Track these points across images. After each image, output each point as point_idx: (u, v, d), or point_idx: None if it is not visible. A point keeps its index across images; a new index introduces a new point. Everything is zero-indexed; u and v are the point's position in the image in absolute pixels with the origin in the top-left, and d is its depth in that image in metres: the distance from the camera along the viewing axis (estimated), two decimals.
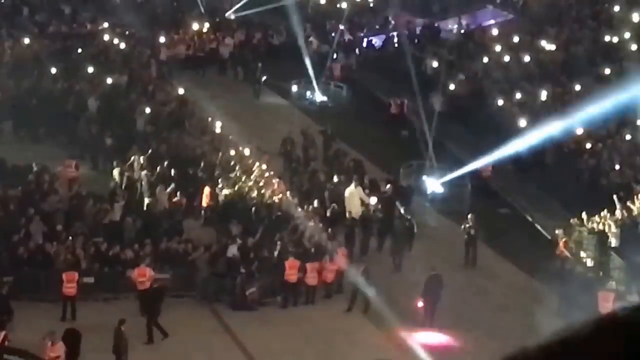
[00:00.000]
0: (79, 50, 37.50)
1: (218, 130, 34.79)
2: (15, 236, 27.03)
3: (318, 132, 35.54)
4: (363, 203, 30.59)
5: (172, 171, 31.26)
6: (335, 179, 32.16)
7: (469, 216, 30.09)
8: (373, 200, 30.68)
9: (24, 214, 27.97)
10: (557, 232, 31.42)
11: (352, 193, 30.66)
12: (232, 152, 33.35)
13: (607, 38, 43.41)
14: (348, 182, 31.32)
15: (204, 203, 30.54)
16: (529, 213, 33.65)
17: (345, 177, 32.11)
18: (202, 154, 33.31)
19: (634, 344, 0.73)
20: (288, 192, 31.32)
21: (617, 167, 35.95)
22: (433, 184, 34.40)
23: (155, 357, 23.91)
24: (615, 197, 32.56)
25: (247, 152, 33.32)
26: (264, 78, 38.96)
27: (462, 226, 30.06)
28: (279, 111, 38.68)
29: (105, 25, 39.47)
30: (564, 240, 30.87)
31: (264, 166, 32.64)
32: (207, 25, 41.83)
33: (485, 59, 41.73)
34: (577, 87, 39.91)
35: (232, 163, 32.84)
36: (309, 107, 39.16)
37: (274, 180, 32.37)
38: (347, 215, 30.27)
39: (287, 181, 32.29)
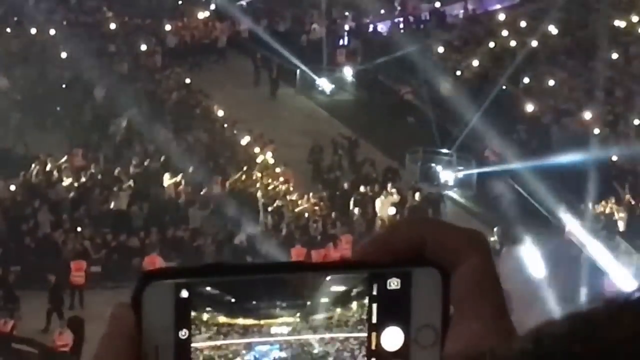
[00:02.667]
0: (85, 40, 37.48)
1: (224, 118, 34.83)
2: (23, 225, 27.12)
3: (342, 137, 35.22)
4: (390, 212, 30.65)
5: (178, 160, 31.31)
6: (362, 189, 32.02)
7: (495, 229, 29.70)
8: (392, 210, 30.46)
9: (31, 204, 28.03)
10: (564, 217, 31.49)
11: (383, 203, 30.77)
12: (239, 140, 33.41)
13: (615, 22, 43.26)
14: (374, 191, 31.34)
15: (214, 191, 30.61)
16: (537, 198, 33.63)
17: (372, 186, 32.01)
18: (208, 142, 33.36)
19: None
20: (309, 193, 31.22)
21: (624, 152, 35.94)
22: (440, 170, 34.50)
23: None
24: (620, 182, 32.63)
25: (247, 139, 33.37)
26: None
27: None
28: (286, 100, 38.63)
29: (110, 14, 39.44)
30: (569, 225, 30.92)
31: (269, 154, 32.69)
32: (207, 13, 41.64)
33: (492, 44, 41.64)
34: (585, 72, 39.85)
35: (236, 151, 32.90)
36: (315, 94, 39.09)
37: (278, 169, 32.43)
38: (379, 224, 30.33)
39: (316, 189, 31.97)
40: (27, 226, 27.23)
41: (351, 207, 30.78)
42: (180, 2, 41.68)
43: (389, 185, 31.81)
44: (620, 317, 0.73)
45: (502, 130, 35.14)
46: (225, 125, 34.84)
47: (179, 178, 30.42)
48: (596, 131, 36.93)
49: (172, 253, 27.17)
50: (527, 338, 0.76)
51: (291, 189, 31.70)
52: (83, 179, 29.89)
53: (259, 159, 32.79)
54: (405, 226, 1.03)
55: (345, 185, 32.26)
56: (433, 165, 34.89)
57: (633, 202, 32.59)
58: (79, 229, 27.37)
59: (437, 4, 44.72)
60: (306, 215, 29.77)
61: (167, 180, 30.31)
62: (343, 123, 36.42)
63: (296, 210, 30.17)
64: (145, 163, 31.30)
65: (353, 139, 34.97)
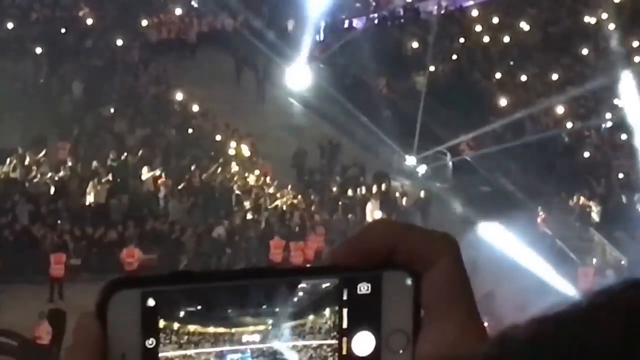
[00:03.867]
0: (62, 35, 37.50)
1: (200, 113, 35.04)
2: (2, 219, 27.20)
3: (327, 141, 35.09)
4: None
5: (157, 153, 31.48)
6: (350, 192, 31.95)
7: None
8: (378, 214, 30.56)
9: (9, 197, 28.10)
10: (537, 208, 31.91)
11: (374, 206, 30.84)
12: (215, 134, 33.60)
13: (585, 18, 43.79)
14: (358, 196, 31.34)
15: (193, 185, 30.78)
16: (510, 190, 34.05)
17: (359, 191, 31.92)
18: (185, 136, 33.55)
19: (624, 319, 0.70)
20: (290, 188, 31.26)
21: (597, 145, 36.43)
22: (415, 163, 34.86)
23: None
24: (593, 175, 33.10)
25: (224, 132, 33.53)
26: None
27: None
28: (260, 93, 38.76)
29: (87, 9, 39.44)
30: (542, 216, 31.34)
31: (245, 147, 32.91)
32: (184, 9, 41.68)
33: (463, 40, 42.05)
34: (556, 67, 40.34)
35: (213, 145, 33.10)
36: (292, 89, 39.25)
37: (255, 162, 32.65)
38: None
39: (301, 193, 31.73)
40: (6, 219, 27.30)
41: (339, 211, 30.80)
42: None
43: (375, 188, 31.79)
44: (587, 320, 0.72)
45: (476, 123, 35.54)
46: (201, 119, 35.01)
47: (157, 172, 30.58)
48: (569, 125, 37.44)
49: (151, 246, 27.35)
50: (493, 342, 0.76)
51: (268, 181, 31.93)
52: (62, 173, 29.95)
53: (235, 152, 33.00)
54: (375, 229, 1.02)
55: (334, 189, 32.11)
56: (409, 158, 35.20)
57: (606, 193, 33.08)
58: (58, 221, 27.47)
59: (406, 1, 45.00)
60: (284, 208, 30.01)
61: (146, 173, 30.48)
62: (320, 117, 36.65)
63: (274, 203, 30.39)
64: (123, 157, 31.44)
65: (335, 142, 34.90)
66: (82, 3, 39.89)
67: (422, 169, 34.88)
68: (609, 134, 37.50)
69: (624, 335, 0.70)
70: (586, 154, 35.95)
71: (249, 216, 29.70)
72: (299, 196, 31.15)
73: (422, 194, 32.50)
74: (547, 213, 31.80)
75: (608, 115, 38.49)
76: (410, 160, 35.00)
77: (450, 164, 34.89)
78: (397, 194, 32.63)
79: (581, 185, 33.68)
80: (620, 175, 35.05)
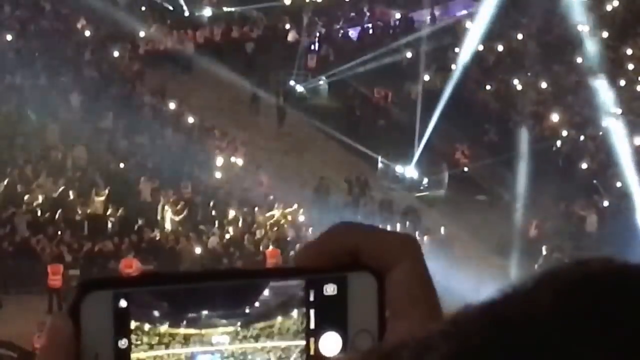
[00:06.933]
0: (60, 47, 37.67)
1: (196, 124, 35.25)
2: (0, 230, 27.35)
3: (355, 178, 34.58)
4: None
5: (154, 164, 31.66)
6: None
7: None
8: None
9: (7, 208, 28.25)
10: (530, 217, 32.11)
11: None
12: (212, 145, 33.79)
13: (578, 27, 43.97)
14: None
15: (189, 195, 30.96)
16: (505, 199, 34.23)
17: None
18: (181, 147, 33.73)
19: (564, 291, 0.72)
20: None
21: (593, 154, 36.58)
22: (411, 172, 35.03)
23: None
24: (590, 183, 33.28)
25: (221, 143, 33.71)
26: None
27: None
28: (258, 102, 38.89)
29: (85, 22, 39.62)
30: (535, 223, 31.55)
31: (239, 159, 33.13)
32: (181, 21, 41.87)
33: (457, 49, 42.25)
34: (550, 75, 40.54)
35: (208, 156, 33.30)
36: (290, 98, 39.41)
37: (252, 172, 32.82)
38: None
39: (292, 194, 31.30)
40: (5, 231, 27.46)
41: None
42: (146, 10, 41.77)
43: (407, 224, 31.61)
44: (525, 294, 0.75)
45: (471, 132, 35.73)
46: (198, 131, 35.22)
47: (154, 183, 30.74)
48: (564, 133, 37.62)
49: (148, 256, 27.49)
50: (446, 320, 0.78)
51: (265, 192, 32.09)
52: (60, 184, 30.08)
53: (231, 163, 33.21)
54: (339, 231, 1.03)
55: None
56: (404, 167, 35.37)
57: (602, 202, 33.25)
58: (59, 232, 27.62)
59: (397, 14, 45.19)
60: (282, 221, 30.19)
61: (143, 183, 30.66)
62: (319, 128, 36.77)
63: (270, 213, 30.56)
64: (120, 168, 31.63)
65: (363, 178, 34.49)
66: (80, 15, 40.08)
67: (425, 181, 35.04)
68: (605, 142, 37.62)
69: (550, 308, 0.73)
70: (582, 163, 36.06)
71: (245, 226, 29.86)
72: (295, 207, 31.25)
73: (442, 230, 31.99)
74: (543, 222, 31.96)
75: (604, 124, 38.66)
76: (411, 171, 35.16)
77: (446, 173, 35.07)
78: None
79: (578, 194, 33.81)
80: (619, 184, 35.15)
